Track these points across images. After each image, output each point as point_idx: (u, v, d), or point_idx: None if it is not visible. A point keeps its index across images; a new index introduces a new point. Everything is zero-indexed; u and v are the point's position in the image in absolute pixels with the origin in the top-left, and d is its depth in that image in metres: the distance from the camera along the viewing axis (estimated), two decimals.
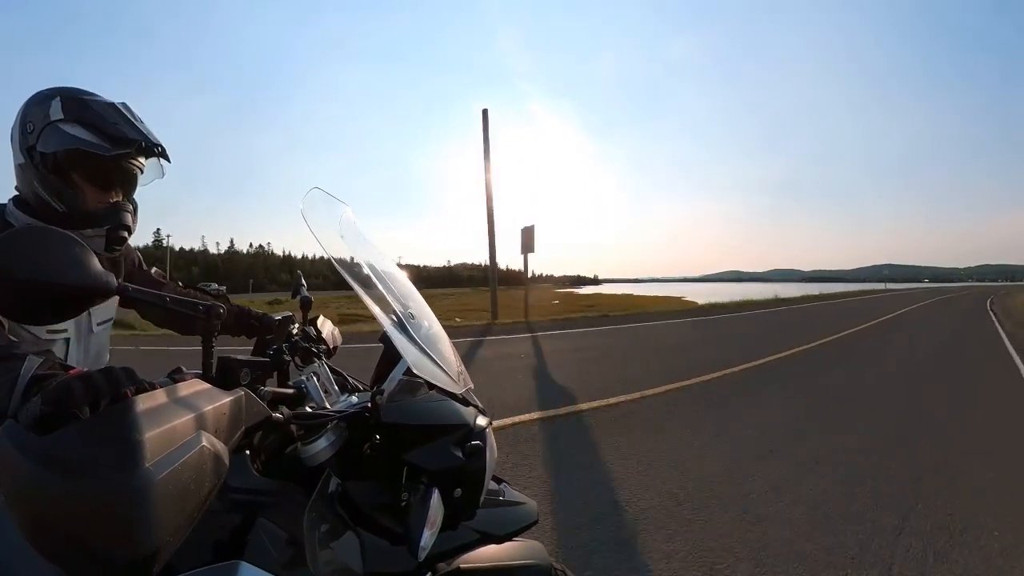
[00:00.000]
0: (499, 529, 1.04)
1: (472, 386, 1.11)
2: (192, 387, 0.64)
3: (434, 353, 1.04)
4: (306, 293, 1.37)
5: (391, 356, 1.05)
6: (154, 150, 1.11)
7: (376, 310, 0.98)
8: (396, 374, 0.99)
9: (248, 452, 0.83)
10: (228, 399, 0.66)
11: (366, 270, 1.04)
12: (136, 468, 0.49)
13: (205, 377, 0.77)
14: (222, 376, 0.81)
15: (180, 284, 1.38)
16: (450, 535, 0.91)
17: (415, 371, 0.94)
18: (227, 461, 0.61)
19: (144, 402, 0.56)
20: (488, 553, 1.01)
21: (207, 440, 0.58)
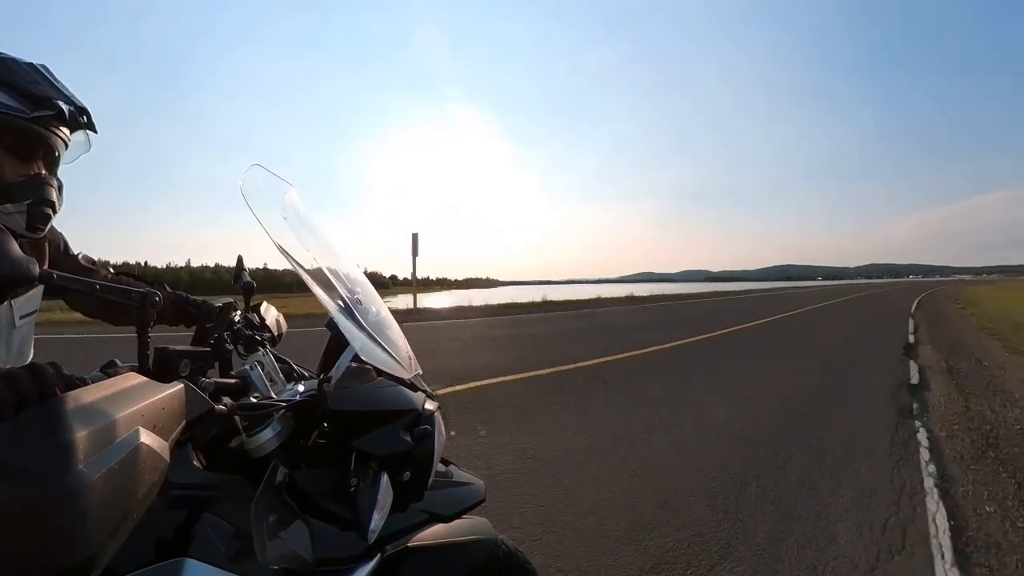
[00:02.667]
0: (447, 509, 1.07)
1: (421, 371, 1.12)
2: (127, 381, 0.62)
3: (382, 339, 1.04)
4: (248, 278, 1.31)
5: (338, 343, 1.05)
6: (79, 118, 1.02)
7: (322, 296, 0.96)
8: (343, 361, 0.98)
9: (191, 446, 0.81)
10: (167, 392, 0.65)
11: (311, 254, 1.01)
12: (69, 470, 0.47)
13: (141, 370, 0.74)
14: (160, 368, 0.78)
15: (111, 270, 1.30)
16: (399, 517, 0.93)
17: (363, 357, 0.94)
18: (168, 457, 0.59)
19: (75, 399, 0.53)
20: (437, 531, 1.04)
21: (145, 436, 0.56)
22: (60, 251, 1.22)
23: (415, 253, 18.01)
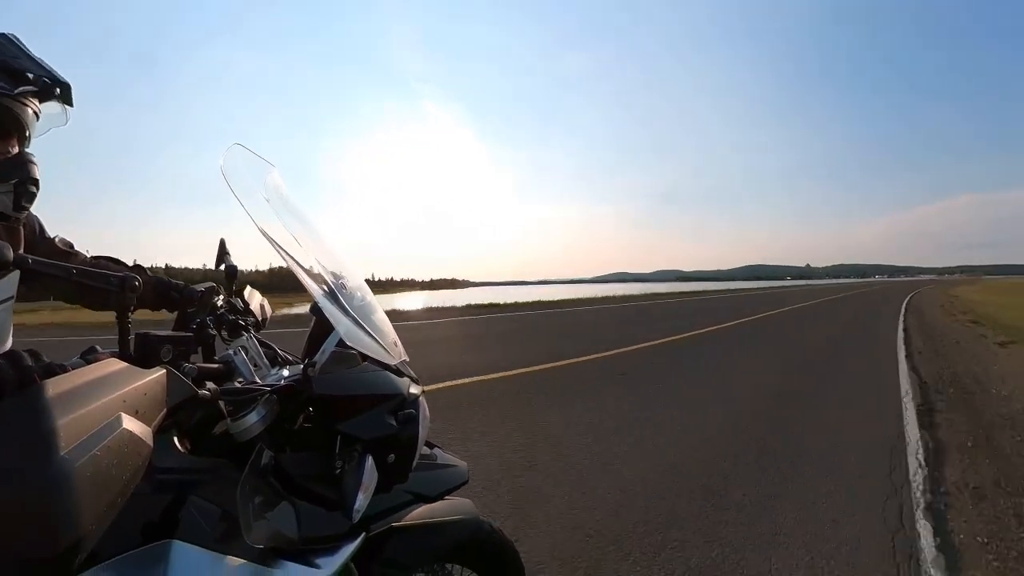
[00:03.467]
0: (431, 490, 1.09)
1: (407, 357, 1.12)
2: (108, 367, 0.62)
3: (367, 324, 1.04)
4: (231, 262, 1.29)
5: (323, 328, 1.05)
6: (53, 91, 0.98)
7: (306, 280, 0.96)
8: (328, 346, 0.99)
9: (175, 431, 0.81)
10: (148, 378, 0.65)
11: (294, 237, 1.00)
12: (51, 457, 0.48)
13: (122, 356, 0.74)
14: (141, 354, 0.78)
15: (89, 254, 1.27)
16: (384, 497, 0.95)
17: (348, 342, 0.94)
18: (151, 442, 0.60)
19: (55, 386, 0.54)
20: (420, 512, 1.07)
21: (128, 422, 0.56)
22: (36, 234, 1.19)
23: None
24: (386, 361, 1.01)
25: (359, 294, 1.14)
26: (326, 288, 1.02)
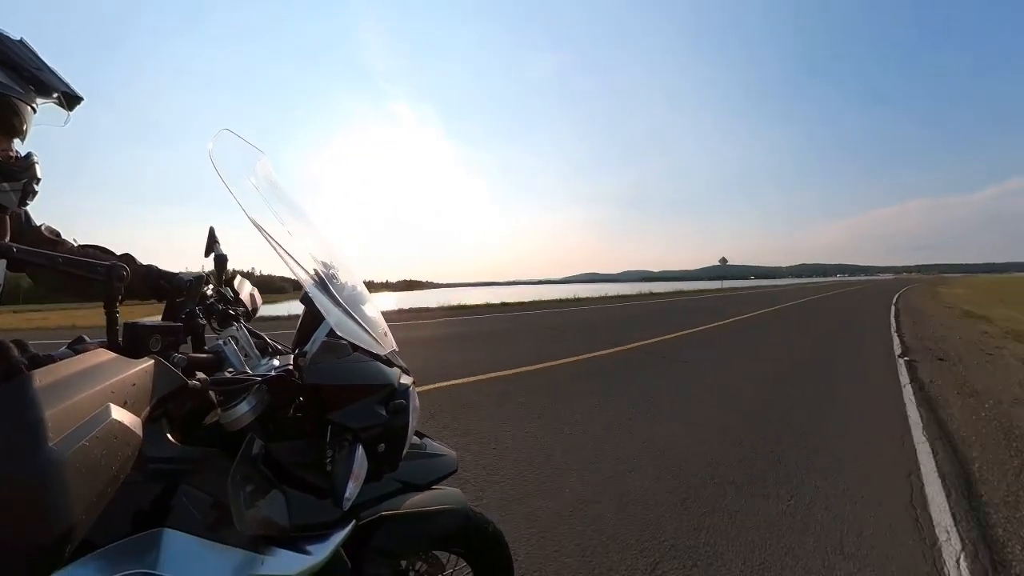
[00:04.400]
0: (420, 479, 1.11)
1: (396, 348, 1.13)
2: (96, 358, 0.62)
3: (357, 314, 1.05)
4: (221, 251, 1.27)
5: (313, 318, 1.05)
6: (67, 105, 1.00)
7: (296, 269, 0.95)
8: (319, 336, 0.99)
9: (165, 421, 0.82)
10: (137, 368, 0.65)
11: (284, 225, 0.99)
12: (40, 448, 0.48)
13: (110, 346, 0.74)
14: (130, 344, 0.78)
15: (76, 242, 1.26)
16: (374, 486, 0.96)
17: (338, 332, 0.94)
18: (140, 433, 0.60)
19: (42, 377, 0.54)
20: (409, 500, 1.08)
21: (116, 412, 0.57)
22: (22, 223, 1.17)
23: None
24: (376, 351, 1.01)
25: (350, 284, 1.14)
26: (316, 277, 1.01)
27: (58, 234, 1.19)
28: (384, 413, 0.95)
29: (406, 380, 1.04)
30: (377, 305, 1.21)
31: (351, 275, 1.18)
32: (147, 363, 0.68)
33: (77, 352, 0.65)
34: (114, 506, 0.58)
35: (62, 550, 0.51)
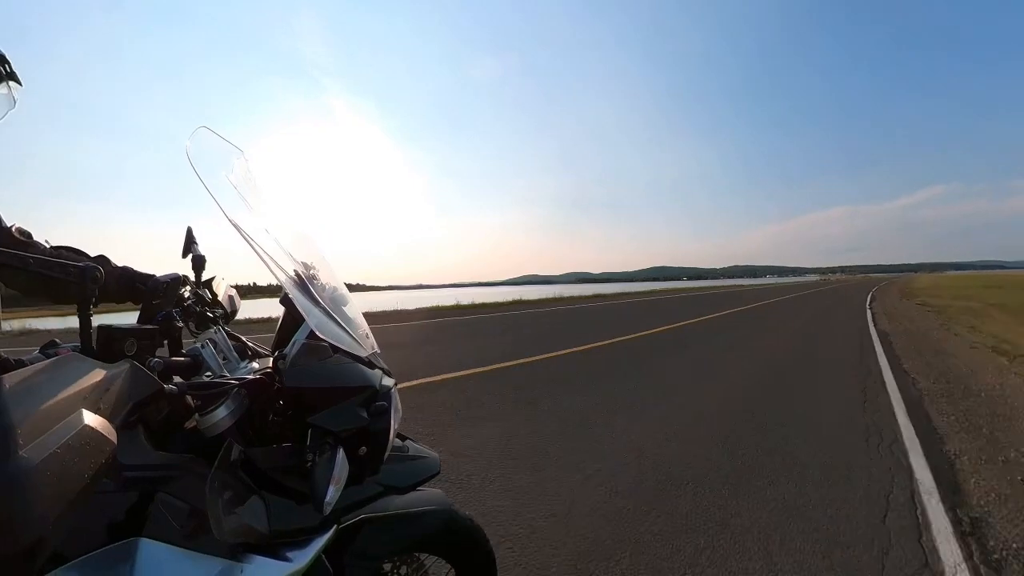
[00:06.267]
0: (402, 481, 1.10)
1: (378, 349, 1.12)
2: (69, 362, 0.60)
3: (338, 315, 1.04)
4: (199, 251, 1.24)
5: (293, 319, 1.04)
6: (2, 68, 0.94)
7: (275, 269, 0.93)
8: (299, 337, 0.97)
9: (142, 427, 0.80)
10: (111, 373, 0.64)
11: (263, 224, 0.98)
12: (8, 456, 0.47)
13: (84, 350, 0.72)
14: (104, 348, 0.76)
15: (48, 243, 1.22)
16: (355, 490, 0.96)
17: (318, 334, 0.93)
18: (114, 439, 0.59)
19: (12, 382, 0.52)
20: (392, 503, 1.07)
21: (89, 419, 0.55)
22: None
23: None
24: (357, 353, 1.01)
25: (330, 285, 1.13)
26: (296, 278, 1.00)
27: (30, 235, 1.16)
28: (365, 415, 0.94)
29: (388, 382, 1.03)
30: (358, 306, 1.20)
31: (332, 276, 1.17)
32: (122, 367, 0.66)
33: (49, 356, 0.64)
34: (87, 516, 0.57)
35: (34, 562, 0.49)
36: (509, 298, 25.16)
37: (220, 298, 1.24)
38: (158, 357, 0.84)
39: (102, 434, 0.57)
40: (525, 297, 26.25)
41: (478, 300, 23.73)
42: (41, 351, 0.74)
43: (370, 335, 1.13)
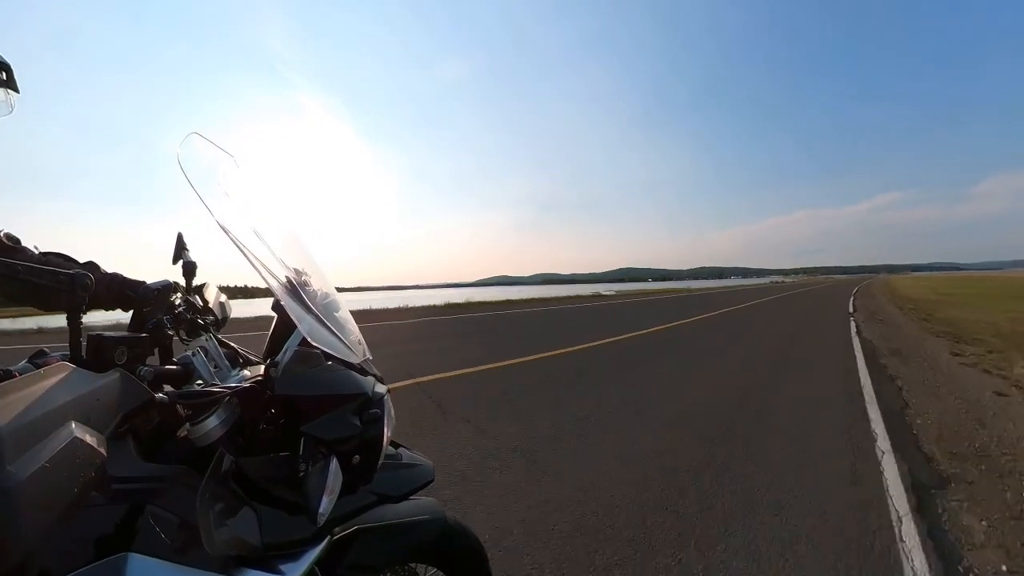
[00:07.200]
0: (396, 490, 1.09)
1: (371, 356, 1.12)
2: (58, 372, 0.59)
3: (331, 321, 1.03)
4: (190, 257, 1.22)
5: (285, 326, 1.03)
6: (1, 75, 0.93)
7: (267, 276, 0.92)
8: (291, 344, 0.97)
9: (131, 438, 0.79)
10: (101, 383, 0.63)
11: (255, 230, 0.97)
12: None
13: (73, 359, 0.71)
14: (93, 357, 0.75)
15: (37, 249, 1.20)
16: (349, 499, 0.94)
17: (311, 341, 0.92)
18: (104, 451, 0.58)
19: (0, 393, 0.52)
20: (386, 512, 1.06)
21: (79, 430, 0.54)
22: None
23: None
24: (350, 360, 1.00)
25: (323, 291, 1.12)
26: (288, 285, 0.99)
27: (18, 241, 1.14)
28: (358, 423, 0.93)
29: (380, 389, 1.02)
30: (348, 313, 1.20)
31: (324, 281, 1.16)
32: (112, 377, 0.65)
33: (38, 366, 0.63)
34: (76, 531, 0.55)
35: None
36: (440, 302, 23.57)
37: (211, 304, 1.22)
38: (148, 366, 0.83)
39: (92, 446, 0.56)
40: (451, 301, 24.25)
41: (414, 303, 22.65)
42: (29, 361, 0.73)
43: (362, 341, 1.12)
